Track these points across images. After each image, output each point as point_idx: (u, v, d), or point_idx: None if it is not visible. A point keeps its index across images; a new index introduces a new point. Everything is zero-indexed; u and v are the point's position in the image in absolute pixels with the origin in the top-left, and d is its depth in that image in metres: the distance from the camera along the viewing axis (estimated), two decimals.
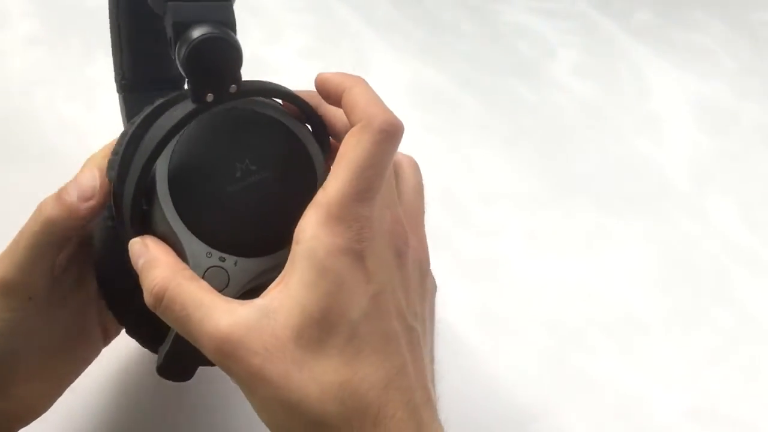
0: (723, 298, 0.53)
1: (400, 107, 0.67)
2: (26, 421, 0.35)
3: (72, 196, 0.32)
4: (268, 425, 0.28)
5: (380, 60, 0.66)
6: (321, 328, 0.27)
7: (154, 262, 0.29)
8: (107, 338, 0.38)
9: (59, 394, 0.36)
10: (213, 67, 0.29)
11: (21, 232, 0.32)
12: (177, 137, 0.31)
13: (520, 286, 0.52)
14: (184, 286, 0.28)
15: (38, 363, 0.34)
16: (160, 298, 0.28)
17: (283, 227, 0.29)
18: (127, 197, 0.31)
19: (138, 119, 0.32)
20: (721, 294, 0.53)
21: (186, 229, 0.30)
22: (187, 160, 0.31)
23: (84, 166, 0.33)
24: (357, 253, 0.27)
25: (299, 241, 0.28)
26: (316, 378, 0.26)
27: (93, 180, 0.32)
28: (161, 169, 0.31)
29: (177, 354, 0.31)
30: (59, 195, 0.32)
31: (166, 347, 0.31)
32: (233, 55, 0.29)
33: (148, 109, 0.32)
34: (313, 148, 0.32)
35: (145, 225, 0.31)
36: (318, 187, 0.29)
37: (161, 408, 0.43)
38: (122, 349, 0.44)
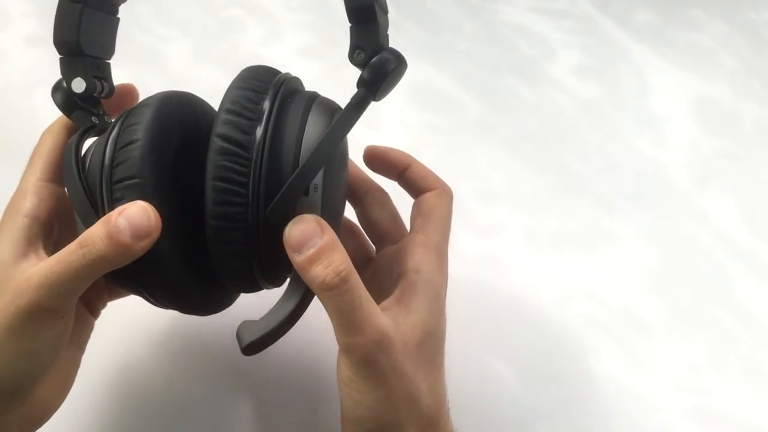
0: (723, 298, 0.53)
1: (400, 107, 0.67)
2: (43, 422, 0.34)
3: (125, 235, 0.30)
4: (380, 416, 0.32)
5: None
6: (435, 342, 0.34)
7: (337, 244, 0.31)
8: (95, 312, 0.38)
9: (71, 384, 0.35)
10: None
11: (61, 262, 0.30)
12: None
13: (519, 286, 0.52)
14: (358, 276, 0.31)
15: (52, 360, 0.33)
16: (346, 280, 0.30)
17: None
18: (299, 179, 0.30)
19: (269, 121, 0.32)
20: (721, 294, 0.53)
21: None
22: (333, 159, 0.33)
23: (132, 204, 0.31)
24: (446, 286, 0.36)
25: (419, 271, 0.34)
26: (427, 378, 0.33)
27: (148, 219, 0.30)
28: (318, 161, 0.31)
29: (272, 336, 0.32)
30: (111, 233, 0.30)
31: (266, 329, 0.32)
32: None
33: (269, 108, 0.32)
34: None
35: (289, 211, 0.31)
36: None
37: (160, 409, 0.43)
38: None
